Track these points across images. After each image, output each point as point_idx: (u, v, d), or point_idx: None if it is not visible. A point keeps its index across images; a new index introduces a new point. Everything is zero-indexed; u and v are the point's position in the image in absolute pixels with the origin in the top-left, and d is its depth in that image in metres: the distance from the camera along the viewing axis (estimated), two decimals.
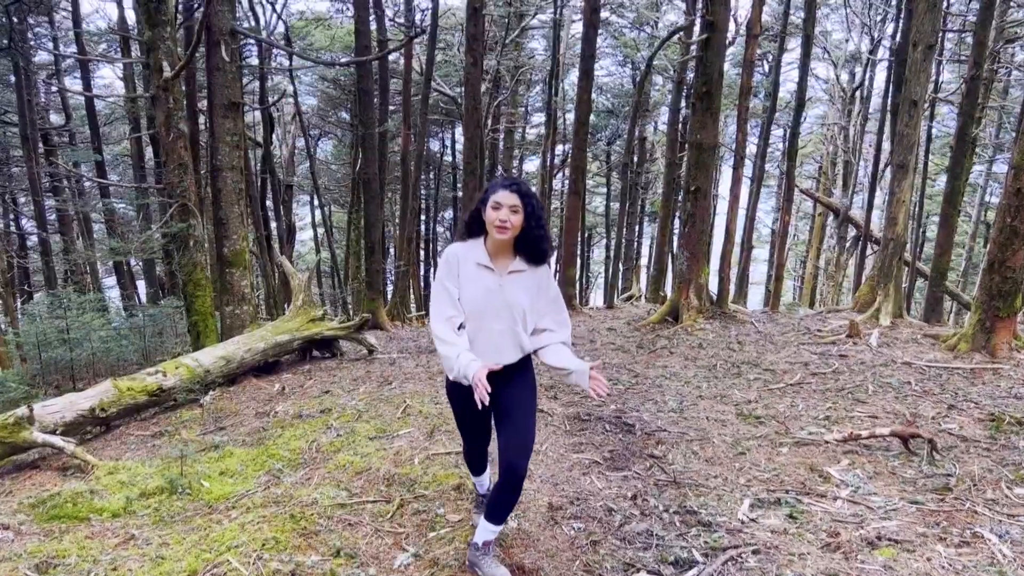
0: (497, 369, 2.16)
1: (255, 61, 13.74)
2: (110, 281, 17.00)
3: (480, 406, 2.05)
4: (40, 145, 12.89)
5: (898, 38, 11.03)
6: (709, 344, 6.55)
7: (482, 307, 2.25)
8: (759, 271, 21.61)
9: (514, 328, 2.28)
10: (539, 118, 21.42)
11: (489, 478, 2.82)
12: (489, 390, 2.04)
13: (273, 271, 13.28)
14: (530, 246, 2.27)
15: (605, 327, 8.42)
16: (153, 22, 6.59)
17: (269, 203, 15.18)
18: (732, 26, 14.14)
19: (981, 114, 12.51)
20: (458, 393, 2.39)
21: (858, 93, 17.35)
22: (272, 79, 16.02)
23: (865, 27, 16.39)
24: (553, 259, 2.55)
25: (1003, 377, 4.73)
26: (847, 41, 18.03)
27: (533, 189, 2.31)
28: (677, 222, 14.45)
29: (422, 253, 20.51)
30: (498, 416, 2.36)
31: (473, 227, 2.31)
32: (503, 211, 2.18)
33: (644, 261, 22.39)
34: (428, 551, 2.63)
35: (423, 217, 20.94)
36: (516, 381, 2.38)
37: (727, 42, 8.86)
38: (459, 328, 2.27)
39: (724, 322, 7.54)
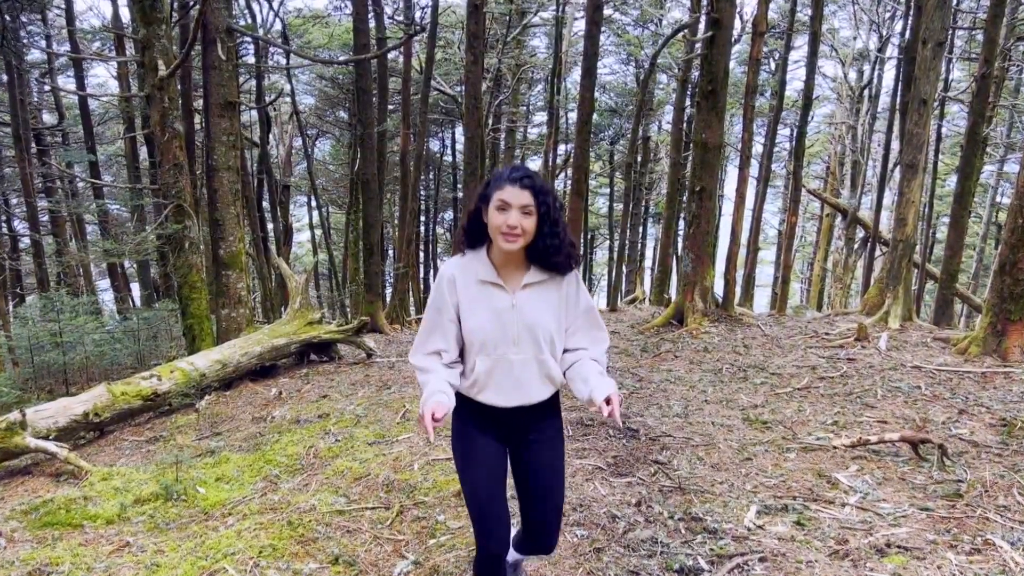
0: (439, 420, 1.67)
1: (252, 59, 13.67)
2: (104, 283, 16.93)
3: (430, 440, 1.82)
4: (33, 145, 12.79)
5: (907, 35, 10.97)
6: (714, 348, 6.49)
7: (495, 335, 1.77)
8: (765, 273, 21.63)
9: (539, 356, 1.80)
10: (541, 117, 21.39)
11: None
12: (431, 437, 1.70)
13: (270, 273, 13.22)
14: (546, 256, 1.77)
15: (608, 330, 8.36)
16: (148, 20, 6.54)
17: (266, 204, 15.12)
18: (737, 23, 14.14)
19: (992, 113, 12.40)
20: (465, 441, 1.87)
21: (866, 91, 17.23)
22: (269, 78, 15.96)
23: (873, 24, 16.33)
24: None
25: (1015, 381, 4.67)
26: (855, 38, 17.91)
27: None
28: (681, 223, 14.40)
29: (422, 255, 20.45)
30: (523, 480, 1.92)
31: (474, 234, 1.82)
32: (511, 214, 1.69)
33: (648, 263, 22.35)
34: (428, 559, 2.60)
35: (423, 218, 20.89)
36: (547, 429, 1.91)
37: (732, 40, 8.79)
38: (452, 364, 1.85)
39: (730, 325, 7.46)
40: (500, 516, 1.86)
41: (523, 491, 1.93)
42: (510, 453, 1.93)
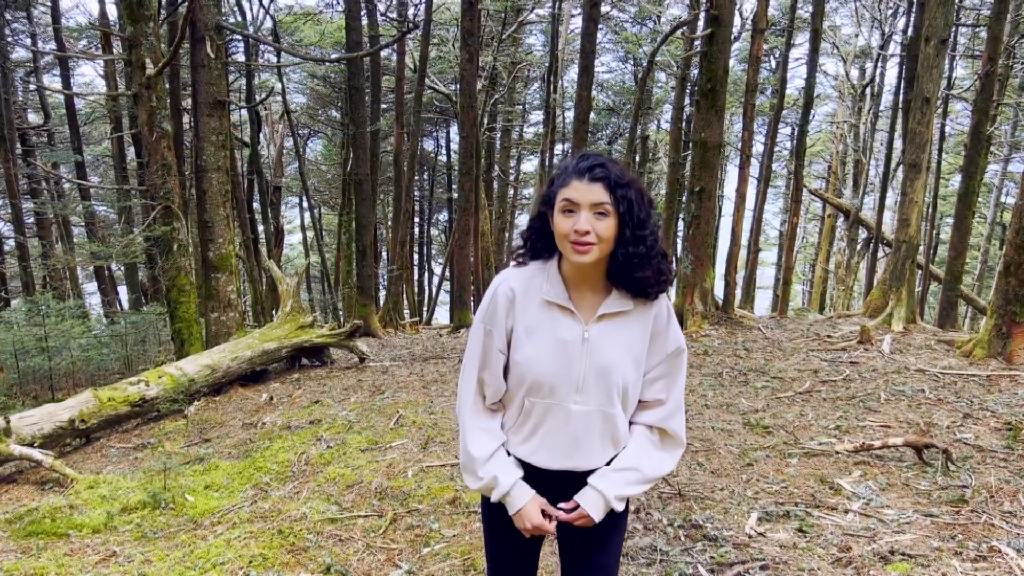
0: (569, 511, 1.44)
1: (241, 57, 13.55)
2: (91, 287, 16.80)
3: (527, 535, 1.45)
4: (18, 145, 12.64)
5: (910, 32, 10.99)
6: (715, 351, 6.47)
7: (554, 375, 1.40)
8: (766, 275, 21.67)
9: (607, 410, 1.42)
10: (537, 116, 21.36)
11: None
12: (552, 532, 1.44)
13: (260, 276, 13.11)
14: (627, 271, 1.38)
15: None
16: (135, 17, 6.45)
17: (256, 205, 14.98)
18: (737, 20, 14.19)
19: (996, 111, 12.32)
20: (500, 513, 1.53)
21: (868, 90, 17.21)
22: (259, 76, 15.85)
23: (875, 21, 16.37)
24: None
25: (1020, 384, 4.64)
26: (857, 36, 17.95)
27: (626, 172, 1.39)
28: (681, 224, 14.37)
29: (416, 256, 20.37)
30: (566, 557, 1.58)
31: (538, 243, 1.45)
32: (581, 216, 1.32)
33: None
34: (422, 567, 2.58)
35: (417, 219, 20.79)
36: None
37: (732, 37, 8.77)
38: (494, 408, 1.52)
39: (730, 328, 7.44)
40: (530, 566, 1.64)
41: (569, 568, 1.59)
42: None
